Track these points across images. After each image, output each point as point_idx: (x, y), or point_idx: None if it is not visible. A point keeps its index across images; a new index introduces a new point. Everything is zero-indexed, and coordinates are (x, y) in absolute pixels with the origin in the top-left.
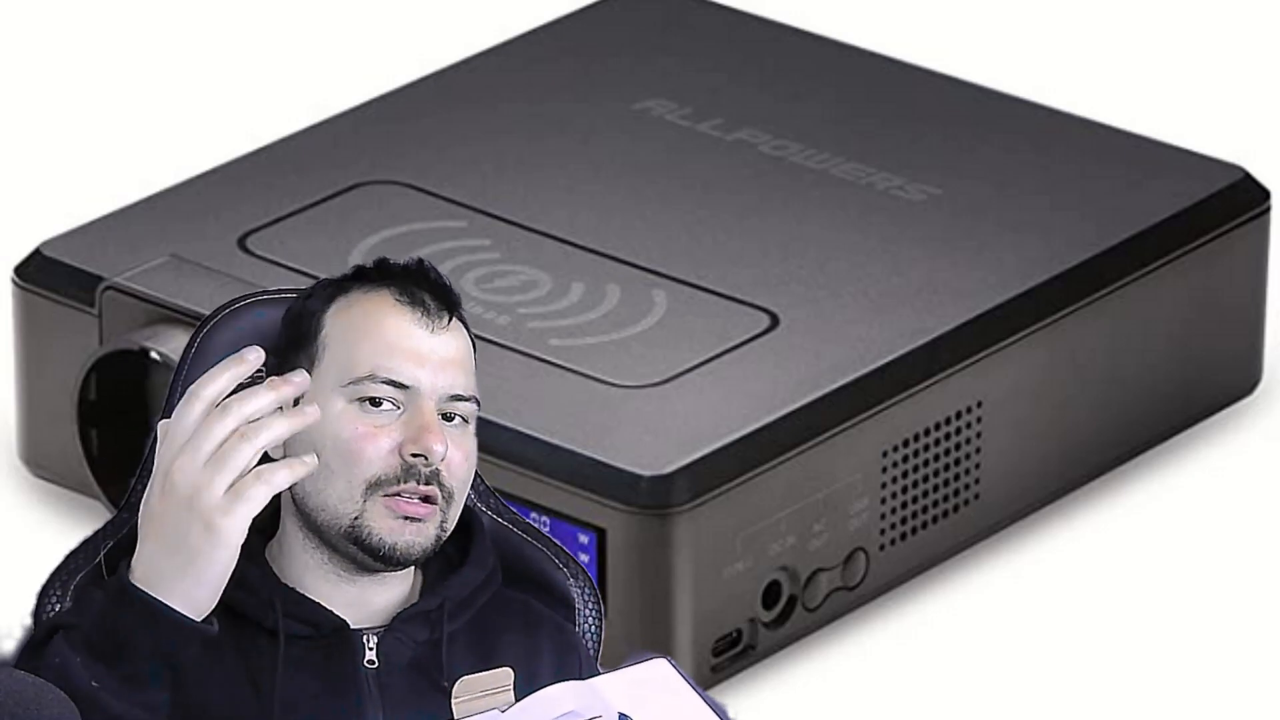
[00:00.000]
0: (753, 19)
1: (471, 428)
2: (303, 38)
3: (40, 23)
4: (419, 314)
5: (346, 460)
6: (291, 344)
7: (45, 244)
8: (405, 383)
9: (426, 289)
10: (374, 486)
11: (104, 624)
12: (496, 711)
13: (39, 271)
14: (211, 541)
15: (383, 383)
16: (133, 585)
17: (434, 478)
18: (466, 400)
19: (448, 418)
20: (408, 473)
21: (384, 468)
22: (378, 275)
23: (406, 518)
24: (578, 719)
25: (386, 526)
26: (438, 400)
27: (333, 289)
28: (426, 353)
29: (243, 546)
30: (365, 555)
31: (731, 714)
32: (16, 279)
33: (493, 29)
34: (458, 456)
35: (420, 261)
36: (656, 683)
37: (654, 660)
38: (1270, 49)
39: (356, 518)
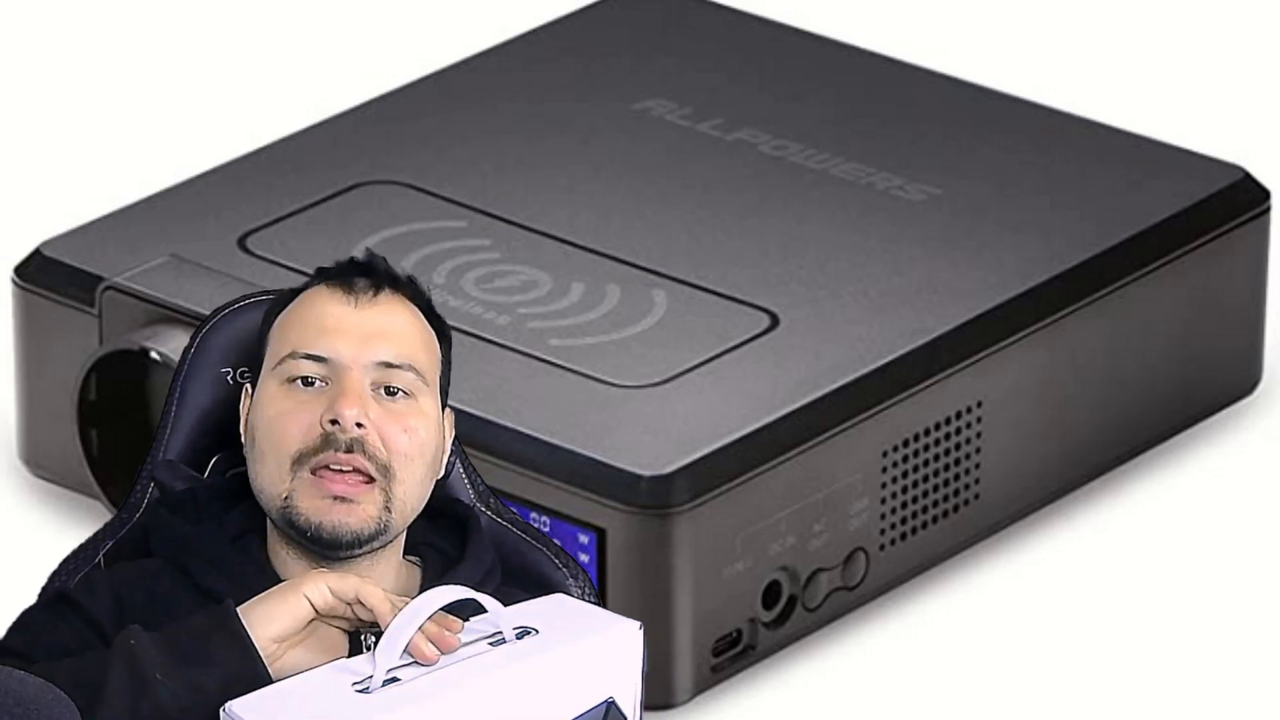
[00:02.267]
0: (753, 19)
1: (423, 404)
2: (303, 38)
3: (40, 23)
4: (342, 293)
5: (271, 438)
6: (259, 349)
7: (45, 244)
8: (323, 354)
9: (362, 273)
10: (298, 462)
11: (194, 631)
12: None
13: (39, 271)
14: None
15: (303, 358)
16: (235, 613)
17: (357, 446)
18: (398, 368)
19: (390, 392)
20: (326, 441)
21: (305, 441)
22: (330, 273)
23: (336, 497)
24: (475, 635)
25: (313, 506)
26: (367, 371)
27: (294, 294)
28: (348, 327)
29: (241, 545)
30: (300, 537)
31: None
32: (16, 279)
33: (493, 29)
34: (393, 430)
35: (370, 253)
36: (555, 603)
37: (553, 595)
38: (1270, 49)
39: (286, 497)
